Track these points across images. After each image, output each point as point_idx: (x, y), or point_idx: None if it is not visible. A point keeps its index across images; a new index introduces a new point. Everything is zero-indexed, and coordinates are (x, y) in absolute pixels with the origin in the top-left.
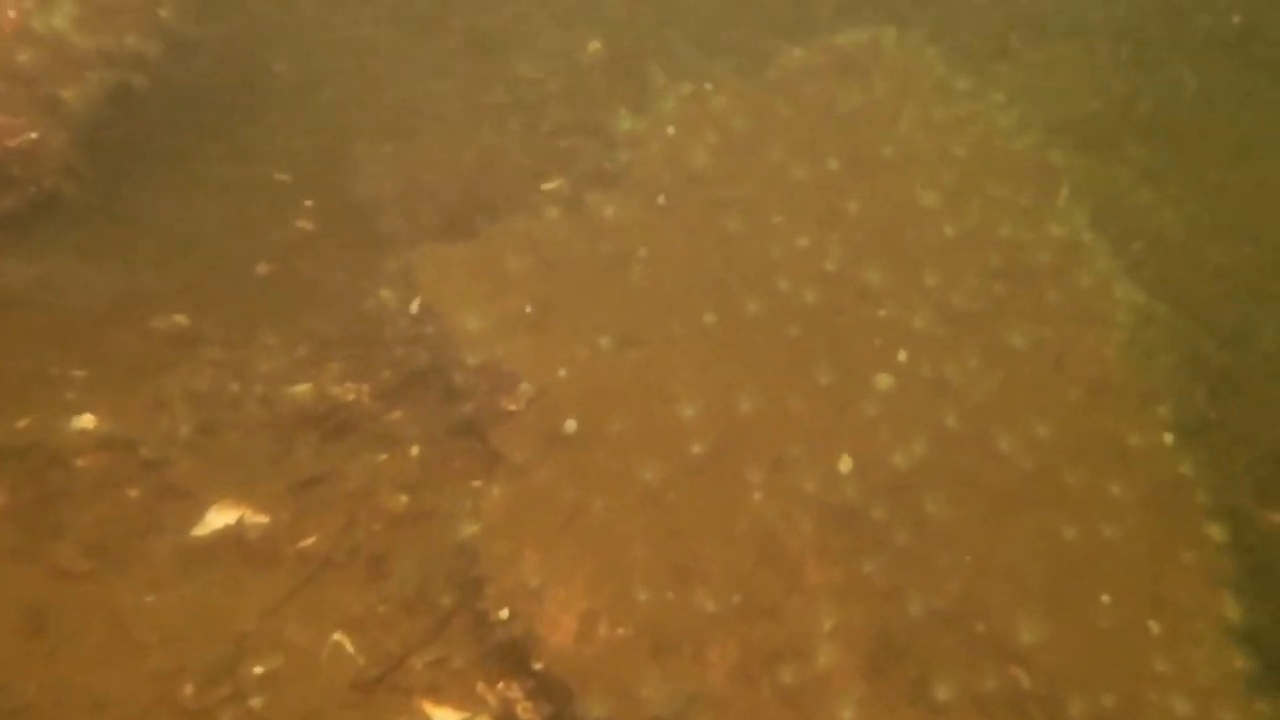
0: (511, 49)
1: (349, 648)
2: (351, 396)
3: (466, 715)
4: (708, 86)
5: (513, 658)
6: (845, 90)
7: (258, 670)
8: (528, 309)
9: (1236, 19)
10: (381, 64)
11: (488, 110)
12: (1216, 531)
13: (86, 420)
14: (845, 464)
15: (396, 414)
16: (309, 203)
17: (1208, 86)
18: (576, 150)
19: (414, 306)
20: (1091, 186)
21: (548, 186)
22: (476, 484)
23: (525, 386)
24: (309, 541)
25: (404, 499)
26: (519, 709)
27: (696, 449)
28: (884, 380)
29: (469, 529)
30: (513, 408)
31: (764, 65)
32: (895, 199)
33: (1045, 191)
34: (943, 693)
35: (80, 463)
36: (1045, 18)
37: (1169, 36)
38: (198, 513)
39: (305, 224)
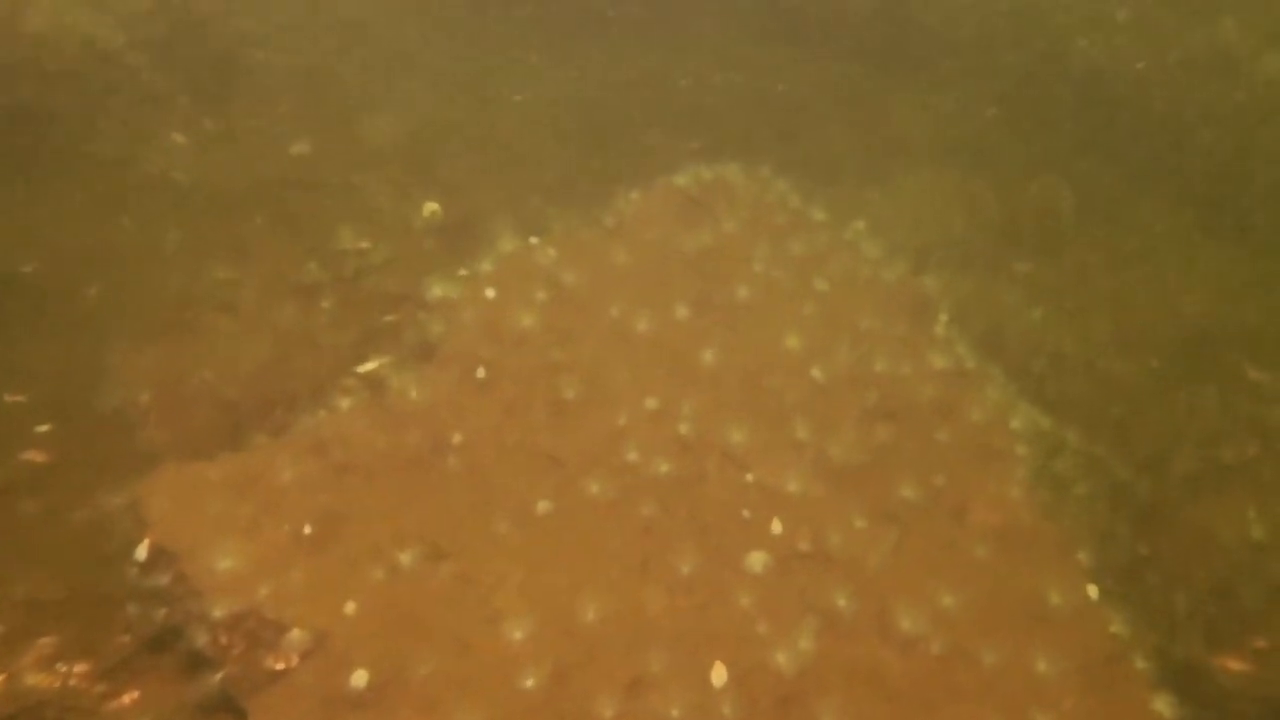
0: (334, 220)
1: None
2: (58, 683)
3: None
4: (533, 240)
5: None
6: (691, 231)
7: None
8: (306, 529)
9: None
10: (166, 254)
11: (295, 291)
12: (1164, 703)
13: None
14: (718, 674)
15: (127, 697)
16: (44, 427)
17: (1085, 199)
18: (402, 324)
19: (141, 551)
20: (977, 310)
21: (365, 368)
22: None
23: (297, 635)
24: None
25: None
26: None
27: (530, 681)
28: (757, 560)
29: None
30: (280, 666)
31: (602, 212)
32: (755, 344)
33: (922, 321)
34: None
35: None
36: (910, 144)
37: (1039, 153)
38: None
39: (35, 454)
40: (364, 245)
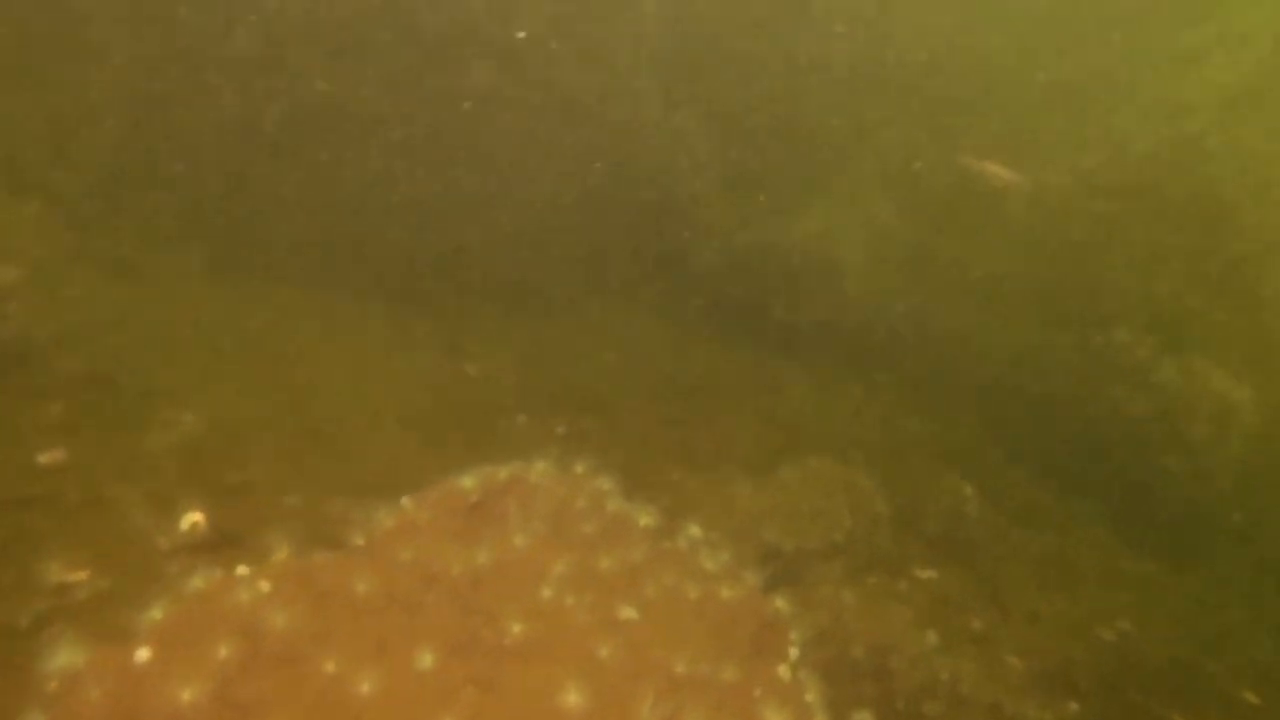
0: (52, 546)
1: None
2: None
3: None
4: (241, 570)
5: None
6: (465, 548)
7: None
8: None
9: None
10: None
11: None
12: None
13: None
14: None
15: None
16: None
17: (992, 498)
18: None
19: None
20: (851, 633)
21: None
22: None
23: None
24: None
25: None
26: None
27: None
28: None
29: None
30: None
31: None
32: (519, 705)
33: (763, 657)
34: None
35: None
36: (801, 433)
37: (941, 447)
38: None
39: None
40: (77, 577)
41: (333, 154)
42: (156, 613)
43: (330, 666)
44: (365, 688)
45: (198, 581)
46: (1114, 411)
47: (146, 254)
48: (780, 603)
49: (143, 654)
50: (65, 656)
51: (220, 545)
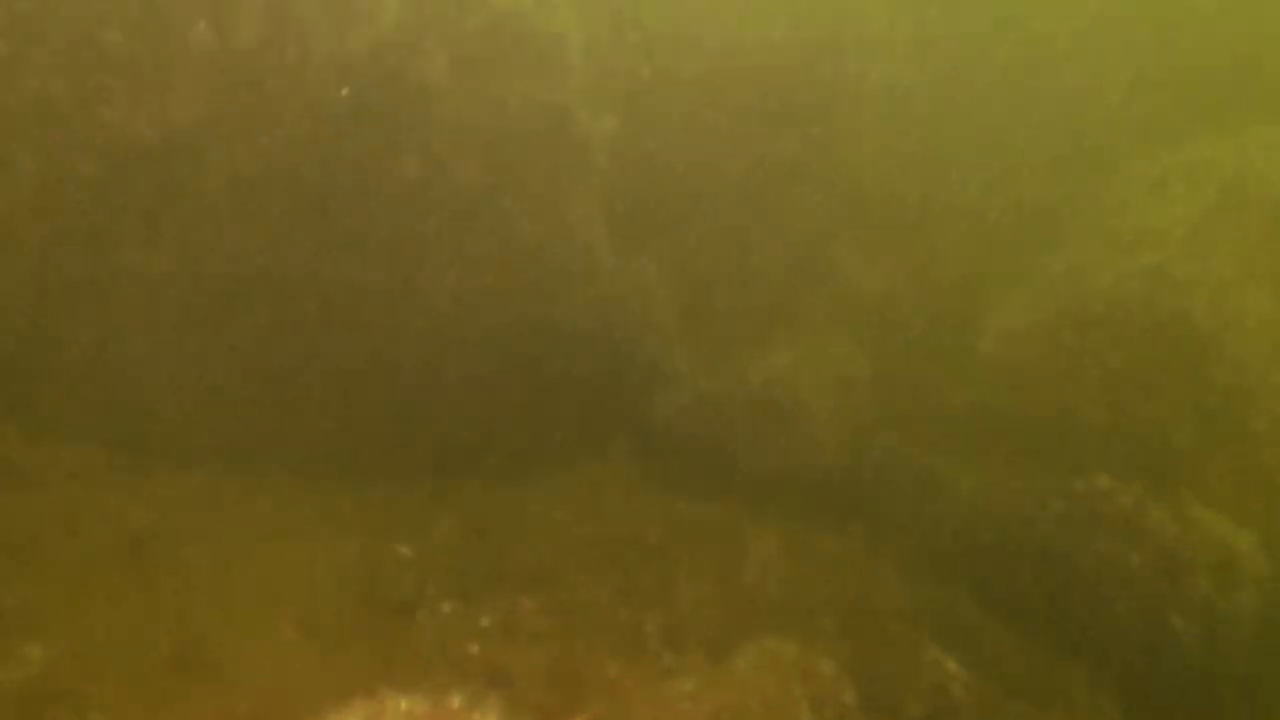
0: None
1: None
2: None
3: None
4: None
5: None
6: None
7: None
8: None
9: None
10: None
11: None
12: None
13: None
14: None
15: None
16: None
17: (981, 668)
18: None
19: None
20: None
21: None
22: None
23: None
24: None
25: None
26: None
27: None
28: None
29: None
30: None
31: None
32: None
33: None
34: None
35: None
36: (766, 601)
37: (923, 614)
38: None
39: None
40: None
41: (254, 321)
42: None
43: None
44: None
45: None
46: (1108, 565)
47: (37, 452)
48: None
49: None
50: None
51: None
